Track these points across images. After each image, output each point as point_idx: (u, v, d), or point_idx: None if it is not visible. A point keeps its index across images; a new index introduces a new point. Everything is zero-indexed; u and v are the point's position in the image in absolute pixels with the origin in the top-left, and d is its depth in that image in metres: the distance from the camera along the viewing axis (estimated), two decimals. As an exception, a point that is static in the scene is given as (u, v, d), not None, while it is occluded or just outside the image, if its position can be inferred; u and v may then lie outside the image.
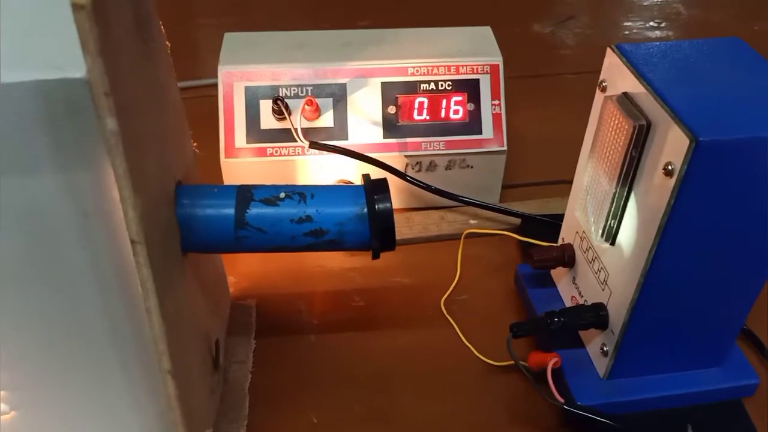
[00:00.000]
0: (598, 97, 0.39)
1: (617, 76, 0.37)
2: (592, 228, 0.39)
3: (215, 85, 0.55)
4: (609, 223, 0.38)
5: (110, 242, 0.29)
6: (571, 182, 0.44)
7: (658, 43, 0.38)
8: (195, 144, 0.43)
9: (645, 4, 0.92)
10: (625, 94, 0.36)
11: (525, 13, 0.90)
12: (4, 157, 0.26)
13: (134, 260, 0.28)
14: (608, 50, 0.38)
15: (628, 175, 0.36)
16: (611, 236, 0.38)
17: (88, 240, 0.29)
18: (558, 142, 0.67)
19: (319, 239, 0.37)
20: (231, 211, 0.36)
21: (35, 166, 0.26)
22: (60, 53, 0.25)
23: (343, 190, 0.38)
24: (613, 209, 0.37)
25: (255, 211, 0.36)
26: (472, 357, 0.47)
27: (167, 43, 0.37)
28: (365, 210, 0.37)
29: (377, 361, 0.48)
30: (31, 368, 0.34)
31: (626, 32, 0.86)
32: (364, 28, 0.83)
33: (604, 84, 0.38)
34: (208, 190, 0.36)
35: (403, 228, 0.57)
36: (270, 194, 0.37)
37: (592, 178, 0.39)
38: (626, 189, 0.36)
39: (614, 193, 0.37)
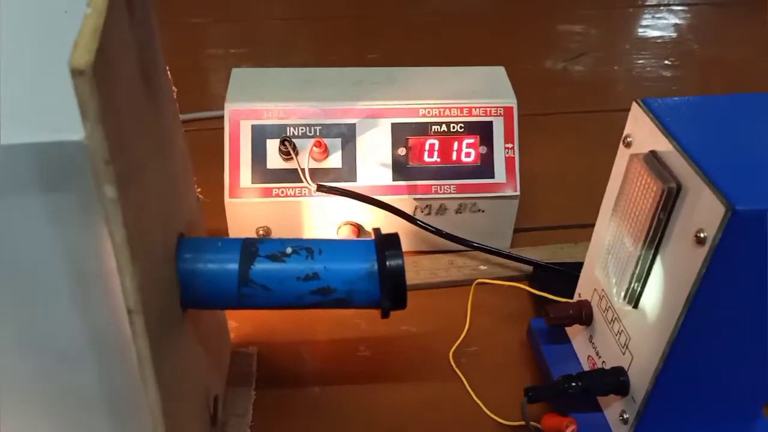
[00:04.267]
0: (623, 152, 0.37)
1: (643, 133, 0.35)
2: (614, 290, 0.37)
3: (221, 118, 0.54)
4: (632, 285, 0.36)
5: (106, 308, 0.27)
6: (584, 227, 0.43)
7: (687, 97, 0.36)
8: (199, 190, 0.41)
9: (658, 41, 0.91)
10: (652, 152, 0.34)
11: (536, 50, 0.89)
12: (1, 218, 0.24)
13: (130, 329, 0.26)
14: (633, 105, 0.36)
15: (654, 239, 0.34)
16: (634, 299, 0.36)
17: (84, 305, 0.27)
18: (570, 183, 0.66)
19: (326, 298, 0.35)
20: (235, 266, 0.34)
21: (31, 228, 0.25)
22: (58, 115, 0.23)
23: (353, 245, 0.36)
24: (637, 272, 0.35)
25: (260, 267, 0.34)
26: (481, 414, 0.45)
27: (173, 89, 0.36)
28: (375, 267, 0.35)
29: (383, 417, 0.45)
30: (23, 427, 0.32)
31: (639, 69, 0.85)
32: (373, 61, 0.83)
33: (628, 140, 0.37)
34: (212, 243, 0.35)
35: (410, 272, 0.55)
36: (276, 249, 0.35)
37: (614, 237, 0.37)
38: (652, 252, 0.34)
39: (639, 256, 0.35)
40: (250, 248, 0.35)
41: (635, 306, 0.36)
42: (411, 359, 0.50)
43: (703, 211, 0.30)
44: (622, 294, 0.36)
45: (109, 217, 0.23)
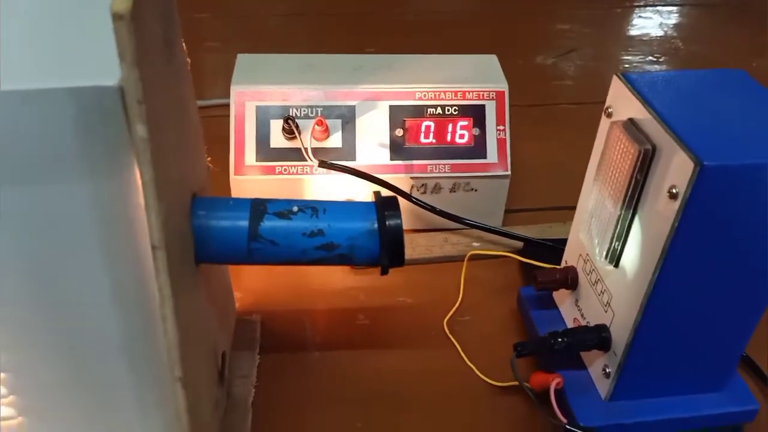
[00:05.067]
0: (604, 122, 0.40)
1: (623, 103, 0.38)
2: (596, 250, 0.40)
3: (220, 106, 0.56)
4: (613, 245, 0.39)
5: (129, 248, 0.30)
6: (572, 208, 0.45)
7: (662, 72, 0.39)
8: (209, 159, 0.44)
9: (645, 39, 0.95)
10: (630, 119, 0.37)
11: (528, 46, 0.92)
12: (31, 161, 0.27)
13: (154, 266, 0.29)
14: (614, 78, 0.39)
15: (632, 198, 0.36)
16: (615, 258, 0.39)
17: (108, 245, 0.29)
18: (559, 169, 0.69)
19: (329, 253, 0.38)
20: (245, 223, 0.37)
21: (61, 171, 0.27)
22: (93, 61, 0.26)
23: (355, 206, 0.39)
24: (617, 231, 0.38)
25: (268, 223, 0.37)
26: (474, 377, 0.48)
27: (188, 60, 0.38)
28: (375, 226, 0.38)
29: (380, 380, 0.48)
30: (40, 373, 0.34)
31: (626, 65, 0.88)
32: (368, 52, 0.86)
33: (609, 110, 0.39)
34: (223, 202, 0.37)
35: (406, 249, 0.57)
36: (283, 208, 0.37)
37: (597, 201, 0.40)
38: (631, 212, 0.37)
39: (619, 216, 0.37)
40: (259, 207, 0.37)
41: (616, 265, 0.39)
42: (407, 328, 0.52)
43: (676, 169, 0.33)
44: (604, 253, 0.39)
45: (139, 155, 0.25)
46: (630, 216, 0.37)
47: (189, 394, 0.34)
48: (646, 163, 0.35)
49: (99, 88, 0.25)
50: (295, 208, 0.38)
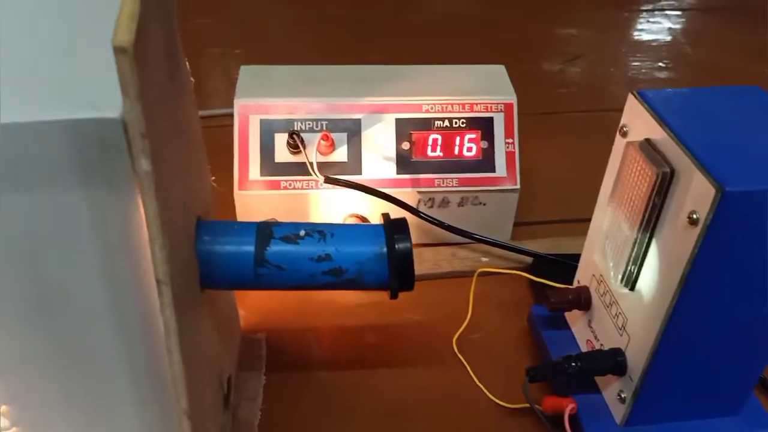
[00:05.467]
0: (619, 142, 0.39)
1: (638, 122, 0.37)
2: (611, 273, 0.39)
3: (224, 116, 0.55)
4: (629, 268, 0.37)
5: (134, 280, 0.29)
6: (581, 221, 0.44)
7: (678, 89, 0.38)
8: (213, 178, 0.43)
9: (653, 44, 0.93)
10: (647, 140, 0.36)
11: (534, 51, 0.91)
12: (33, 195, 0.26)
13: (158, 300, 0.28)
14: (629, 96, 0.38)
15: (650, 222, 0.35)
16: (631, 282, 0.38)
17: (113, 277, 0.29)
18: (567, 180, 0.68)
19: (337, 278, 0.37)
20: (251, 248, 0.36)
21: (65, 202, 0.26)
22: (94, 91, 0.25)
23: (363, 229, 0.38)
24: (633, 255, 0.37)
25: (275, 248, 0.36)
26: (484, 398, 0.47)
27: (192, 79, 0.37)
28: (384, 249, 0.37)
29: (389, 401, 0.47)
30: (42, 400, 0.33)
31: (634, 71, 0.87)
32: (375, 61, 0.85)
33: (624, 129, 0.38)
34: (229, 226, 0.36)
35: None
36: (290, 232, 0.37)
37: (612, 222, 0.39)
38: (648, 235, 0.36)
39: (635, 239, 0.36)
40: (266, 231, 0.36)
41: (632, 288, 0.38)
42: (415, 346, 0.51)
43: (695, 193, 0.32)
44: (620, 277, 0.38)
45: (143, 188, 0.24)
46: (647, 240, 0.36)
47: (194, 424, 0.33)
48: (664, 186, 0.34)
49: (100, 120, 0.24)
50: (302, 232, 0.37)
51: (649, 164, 0.35)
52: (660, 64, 0.89)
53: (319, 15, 0.98)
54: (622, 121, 0.39)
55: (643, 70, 0.87)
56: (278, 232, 0.36)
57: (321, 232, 0.37)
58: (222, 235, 0.36)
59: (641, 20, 1.00)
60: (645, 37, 0.95)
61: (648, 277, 0.37)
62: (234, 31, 0.94)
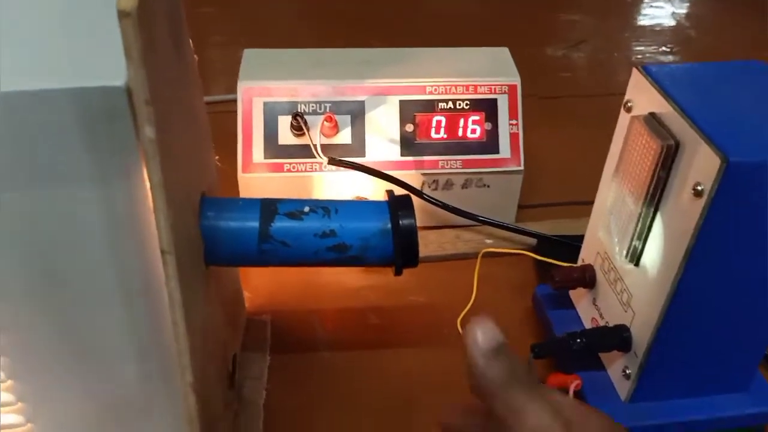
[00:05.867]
0: (623, 117, 0.39)
1: (643, 97, 0.37)
2: (616, 249, 0.39)
3: (228, 102, 0.55)
4: (634, 243, 0.37)
5: (139, 252, 0.29)
6: (584, 203, 0.44)
7: (682, 64, 0.38)
8: (217, 157, 0.43)
9: (656, 29, 0.93)
10: (651, 114, 0.36)
11: (537, 37, 0.91)
12: (39, 165, 0.26)
13: (163, 271, 0.28)
14: (633, 70, 0.38)
15: (654, 195, 0.35)
16: (636, 257, 0.38)
17: (117, 249, 0.29)
18: (570, 164, 0.68)
19: (342, 254, 0.37)
20: (255, 224, 0.36)
21: (69, 174, 0.26)
22: (99, 60, 0.25)
23: (368, 205, 0.38)
24: (638, 230, 0.37)
25: (279, 224, 0.36)
26: (489, 378, 0.47)
27: (195, 57, 0.37)
28: (389, 226, 0.37)
29: (393, 381, 0.47)
30: (50, 378, 0.33)
31: (638, 56, 0.87)
32: (379, 45, 0.84)
33: (629, 104, 0.38)
34: (233, 202, 0.36)
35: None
36: (294, 208, 0.37)
37: (616, 198, 0.39)
38: (652, 209, 0.36)
39: (640, 214, 0.36)
40: (270, 207, 0.36)
41: (637, 264, 0.38)
42: (419, 328, 0.52)
43: (700, 165, 0.32)
44: (624, 252, 0.38)
45: (147, 156, 0.24)
46: (651, 214, 0.36)
47: (200, 398, 0.33)
48: (669, 159, 0.34)
49: (105, 89, 0.24)
50: (307, 209, 0.37)
51: (653, 137, 0.34)
52: (664, 48, 0.88)
53: (323, 4, 0.98)
54: (627, 96, 0.39)
55: (647, 55, 0.87)
56: (283, 208, 0.36)
57: (325, 208, 0.37)
58: (226, 210, 0.36)
59: (645, 5, 0.99)
60: (648, 21, 0.95)
61: (653, 252, 0.37)
62: (238, 20, 0.94)
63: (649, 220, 0.36)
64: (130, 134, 0.25)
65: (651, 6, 0.99)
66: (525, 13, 0.96)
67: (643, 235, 0.37)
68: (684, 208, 0.33)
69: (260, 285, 0.54)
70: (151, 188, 0.25)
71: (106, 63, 0.25)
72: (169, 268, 0.28)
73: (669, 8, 0.98)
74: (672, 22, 0.95)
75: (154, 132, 0.24)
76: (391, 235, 0.37)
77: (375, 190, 0.56)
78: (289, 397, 0.46)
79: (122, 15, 0.21)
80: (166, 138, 0.26)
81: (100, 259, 0.29)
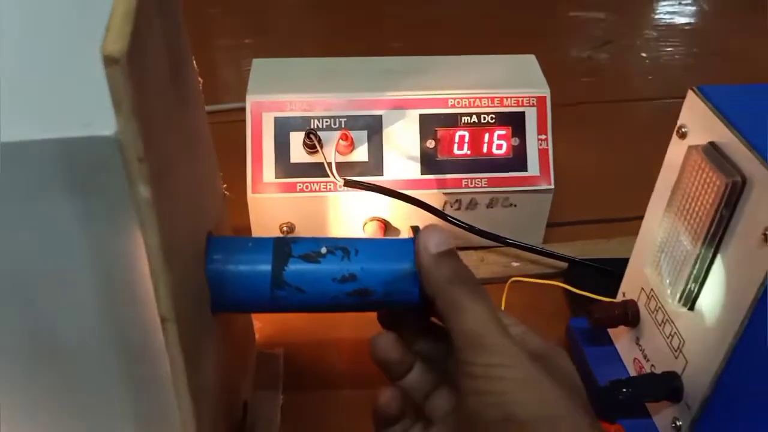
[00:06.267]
0: (677, 144, 0.35)
1: (700, 122, 0.33)
2: (668, 291, 0.35)
3: (234, 111, 0.52)
4: (689, 286, 0.34)
5: (135, 316, 0.25)
6: (617, 221, 0.40)
7: (743, 85, 0.34)
8: (225, 186, 0.39)
9: (686, 28, 0.88)
10: (711, 143, 0.32)
11: (560, 37, 0.86)
12: (25, 219, 0.23)
13: (165, 339, 0.24)
14: (689, 93, 0.34)
15: (715, 236, 0.31)
16: (690, 301, 0.34)
17: (111, 312, 0.25)
18: (599, 176, 0.64)
19: (363, 299, 0.33)
20: (267, 267, 0.32)
21: (58, 229, 0.23)
22: (88, 107, 0.21)
23: (391, 244, 0.34)
24: (695, 272, 0.33)
25: (294, 267, 0.32)
26: (519, 418, 0.43)
27: (199, 79, 0.34)
28: (414, 267, 0.33)
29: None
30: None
31: (667, 58, 0.82)
32: (398, 50, 0.80)
33: (683, 130, 0.34)
34: (242, 243, 0.33)
35: (440, 270, 0.53)
36: (310, 249, 0.33)
37: (669, 234, 0.35)
38: (712, 251, 0.32)
39: (698, 255, 0.32)
40: (283, 248, 0.33)
41: (691, 308, 0.34)
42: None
43: (774, 206, 0.28)
44: (678, 295, 0.34)
45: (143, 219, 0.21)
46: (711, 256, 0.32)
47: (208, 465, 0.30)
48: (734, 196, 0.30)
49: (93, 139, 0.21)
50: (324, 250, 0.33)
51: (716, 172, 0.30)
52: (695, 50, 0.84)
53: (333, 2, 0.93)
54: (681, 120, 0.35)
55: (677, 57, 0.82)
56: (297, 250, 0.33)
57: (344, 248, 0.33)
58: (235, 252, 0.32)
59: (673, 2, 0.94)
60: (678, 20, 0.90)
61: (711, 297, 0.33)
62: (243, 21, 0.90)
63: (707, 262, 0.32)
64: (124, 190, 0.21)
65: (680, 3, 0.94)
66: (546, 12, 0.92)
67: (701, 279, 0.33)
68: (751, 253, 0.30)
69: (272, 314, 0.50)
70: (147, 252, 0.22)
71: (95, 108, 0.21)
72: (169, 335, 0.24)
73: (699, 6, 0.93)
74: (701, 22, 0.90)
75: (149, 191, 0.20)
76: (418, 278, 0.33)
77: (393, 211, 0.53)
78: (303, 441, 0.42)
79: (109, 61, 0.17)
80: (165, 192, 0.22)
81: (93, 323, 0.25)
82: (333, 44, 0.84)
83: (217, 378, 0.33)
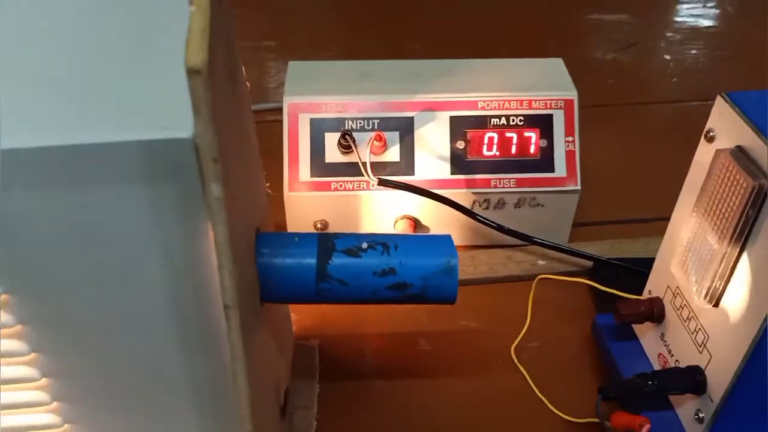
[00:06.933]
0: (704, 147, 0.36)
1: (728, 127, 0.34)
2: (694, 288, 0.37)
3: (261, 112, 0.53)
4: (714, 284, 0.35)
5: (199, 305, 0.27)
6: (642, 221, 0.42)
7: (769, 91, 0.35)
8: (268, 185, 0.42)
9: (711, 31, 0.89)
10: (739, 147, 0.33)
11: (585, 39, 0.87)
12: (104, 214, 0.25)
13: (226, 324, 0.26)
14: (717, 99, 0.35)
15: (741, 235, 0.33)
16: (715, 298, 0.35)
17: (177, 303, 0.27)
18: (624, 177, 0.65)
19: (401, 293, 0.35)
20: (313, 261, 0.34)
21: (131, 224, 0.25)
22: (163, 111, 0.23)
23: (428, 240, 0.36)
24: (720, 270, 0.34)
25: (337, 261, 0.34)
26: (545, 410, 0.45)
27: (247, 83, 0.36)
28: (453, 262, 0.35)
29: (445, 411, 0.45)
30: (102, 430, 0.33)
31: (691, 60, 0.83)
32: (419, 52, 0.82)
33: (711, 134, 0.36)
34: (289, 238, 0.35)
35: (468, 267, 0.55)
36: (352, 244, 0.35)
37: (696, 234, 0.36)
38: (738, 250, 0.33)
39: (724, 253, 0.34)
40: (327, 243, 0.35)
41: (716, 305, 0.36)
42: (472, 354, 0.50)
43: (798, 208, 0.30)
44: (703, 292, 0.36)
45: (213, 215, 0.23)
46: (736, 254, 0.33)
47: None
48: (760, 198, 0.31)
49: (171, 141, 0.23)
50: (365, 245, 0.35)
51: (743, 174, 0.32)
52: (720, 52, 0.84)
53: (355, 3, 0.95)
54: (709, 125, 0.36)
55: (702, 59, 0.83)
56: (340, 245, 0.35)
57: (384, 244, 0.35)
58: (282, 247, 0.34)
59: (699, 4, 0.95)
60: (704, 23, 0.91)
61: (736, 294, 0.34)
62: (267, 22, 0.91)
63: (733, 260, 0.34)
64: (195, 189, 0.23)
65: (705, 6, 0.94)
66: (569, 13, 0.93)
67: (726, 276, 0.34)
68: (776, 252, 0.31)
69: (306, 307, 0.52)
70: (215, 245, 0.24)
71: (170, 112, 0.23)
72: (231, 321, 0.26)
73: (724, 8, 0.94)
74: (728, 23, 0.91)
75: (221, 190, 0.22)
76: (456, 273, 0.35)
77: (423, 210, 0.54)
78: (339, 428, 0.44)
79: (191, 73, 0.19)
80: (229, 189, 0.25)
81: (160, 311, 0.28)
82: (353, 47, 0.85)
83: (265, 365, 0.35)
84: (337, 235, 0.36)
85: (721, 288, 0.35)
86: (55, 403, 0.31)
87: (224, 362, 0.29)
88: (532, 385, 0.46)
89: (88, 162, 0.24)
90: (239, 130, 0.31)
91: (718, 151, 0.34)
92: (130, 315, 0.28)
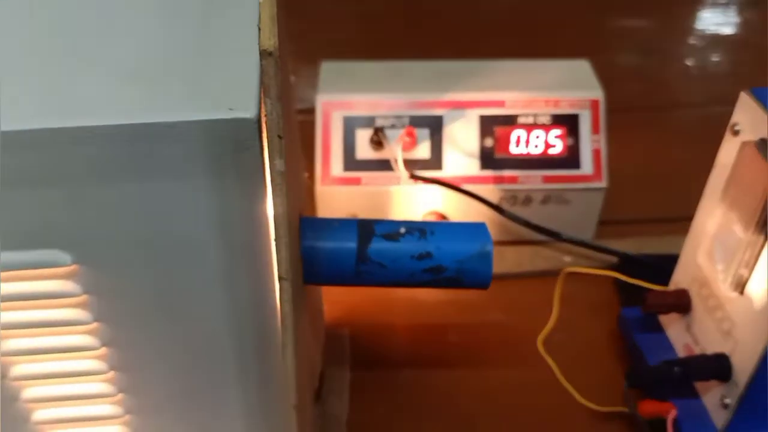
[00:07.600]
0: (730, 140, 0.38)
1: (752, 121, 0.36)
2: (720, 276, 0.38)
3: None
4: (740, 271, 0.36)
5: (253, 278, 0.29)
6: (668, 221, 0.43)
7: (794, 86, 0.37)
8: (307, 174, 0.43)
9: (732, 38, 0.90)
10: (763, 140, 0.35)
11: (609, 43, 0.89)
12: (169, 191, 0.27)
13: (278, 296, 0.28)
14: (741, 94, 0.37)
15: (766, 223, 0.34)
16: (741, 285, 0.37)
17: (232, 275, 0.29)
18: (649, 178, 0.66)
19: (437, 276, 0.37)
20: (353, 244, 0.36)
21: (193, 200, 0.27)
22: (226, 92, 0.25)
23: (464, 227, 0.38)
24: (745, 257, 0.36)
25: (376, 245, 0.36)
26: (572, 400, 0.46)
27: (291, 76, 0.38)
28: (487, 248, 0.36)
29: (473, 401, 0.47)
30: (152, 396, 0.34)
31: (713, 66, 0.84)
32: (442, 54, 0.84)
33: (736, 128, 0.37)
34: (330, 223, 0.37)
35: (495, 262, 0.56)
36: (391, 229, 0.37)
37: (722, 225, 0.38)
38: (763, 237, 0.35)
39: (749, 242, 0.35)
40: (367, 228, 0.36)
41: (741, 292, 0.37)
42: (499, 346, 0.51)
43: (823, 195, 0.31)
44: (729, 280, 0.37)
45: (276, 188, 0.25)
46: (762, 242, 0.35)
47: (300, 419, 0.33)
48: (785, 187, 0.33)
49: (236, 121, 0.25)
50: (403, 230, 0.37)
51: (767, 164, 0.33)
52: (742, 57, 0.85)
53: (375, 7, 0.96)
54: (734, 119, 0.37)
55: (722, 65, 0.84)
56: (379, 230, 0.36)
57: (421, 229, 0.37)
58: (324, 231, 0.36)
59: (723, 10, 0.96)
60: (728, 30, 0.92)
61: (760, 281, 0.35)
62: (296, 25, 0.92)
63: (758, 248, 0.35)
64: (257, 165, 0.25)
65: (727, 12, 0.95)
66: (595, 18, 0.94)
67: (751, 264, 0.36)
68: (801, 239, 0.32)
69: (337, 297, 0.54)
70: (274, 218, 0.26)
71: (233, 93, 0.25)
72: (284, 293, 0.28)
73: (745, 15, 0.95)
74: (749, 30, 0.92)
75: (284, 164, 0.24)
76: (490, 258, 0.36)
77: (450, 205, 0.56)
78: (370, 415, 0.46)
79: (265, 55, 0.21)
80: (288, 166, 0.26)
81: (215, 282, 0.29)
82: (373, 51, 0.87)
83: (304, 346, 0.37)
84: (376, 221, 0.37)
85: (746, 276, 0.36)
86: (111, 372, 0.32)
87: (271, 337, 0.31)
88: (559, 376, 0.48)
89: (156, 141, 0.25)
90: (290, 113, 0.32)
91: (743, 144, 0.35)
92: (186, 287, 0.30)
